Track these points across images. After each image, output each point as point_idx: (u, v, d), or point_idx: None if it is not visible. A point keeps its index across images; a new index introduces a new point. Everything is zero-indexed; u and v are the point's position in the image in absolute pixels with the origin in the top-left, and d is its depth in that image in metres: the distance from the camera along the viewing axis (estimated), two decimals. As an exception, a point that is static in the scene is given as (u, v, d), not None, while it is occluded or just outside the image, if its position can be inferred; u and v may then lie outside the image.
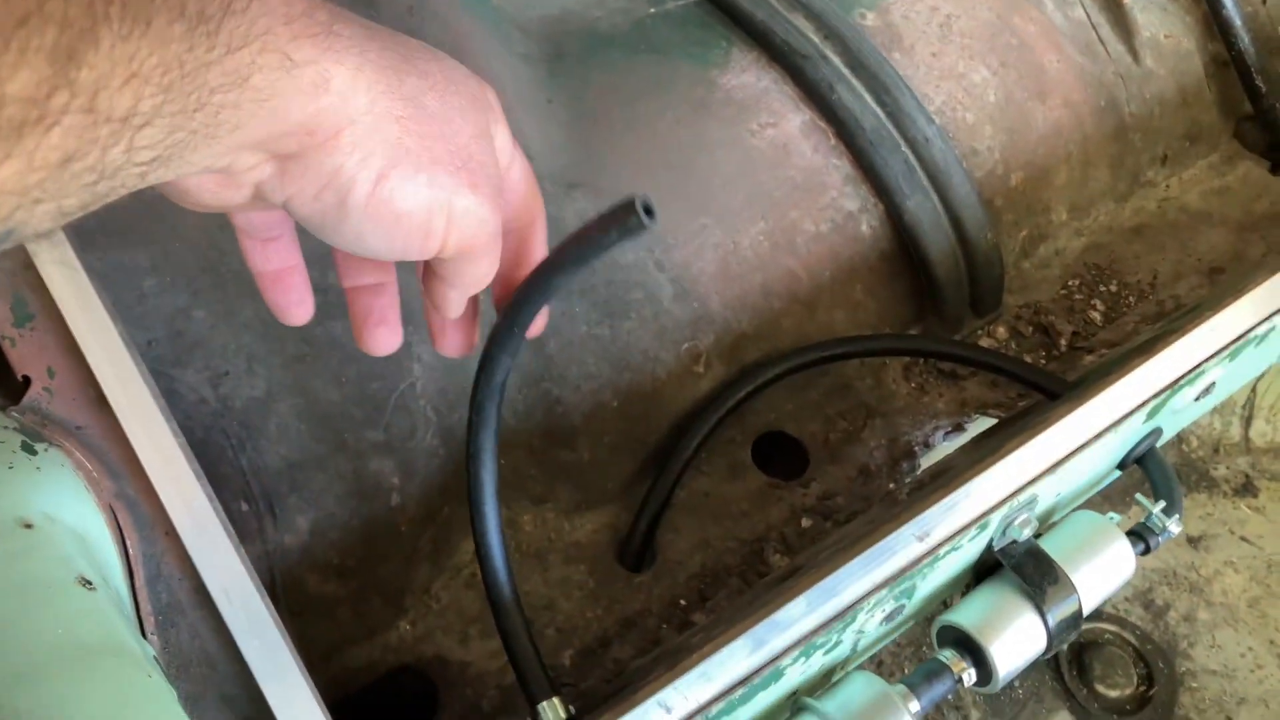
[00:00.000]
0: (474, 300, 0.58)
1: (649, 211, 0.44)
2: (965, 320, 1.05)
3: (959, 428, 0.98)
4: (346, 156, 0.44)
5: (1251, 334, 0.84)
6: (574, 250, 0.48)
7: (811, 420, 1.00)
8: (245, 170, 0.43)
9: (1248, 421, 1.29)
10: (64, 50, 0.30)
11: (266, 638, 0.59)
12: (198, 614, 0.62)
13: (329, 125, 0.42)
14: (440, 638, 0.85)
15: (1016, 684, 1.10)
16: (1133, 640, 1.15)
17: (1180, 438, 1.29)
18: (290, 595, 0.80)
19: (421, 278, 0.55)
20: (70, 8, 0.30)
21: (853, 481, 0.95)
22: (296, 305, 0.56)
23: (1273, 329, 0.86)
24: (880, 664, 1.13)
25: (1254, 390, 1.26)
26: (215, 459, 0.79)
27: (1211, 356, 0.82)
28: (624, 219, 0.44)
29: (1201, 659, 1.15)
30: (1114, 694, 1.11)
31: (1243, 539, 1.23)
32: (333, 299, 0.67)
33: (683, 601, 0.88)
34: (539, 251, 0.58)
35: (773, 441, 0.99)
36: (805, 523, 0.92)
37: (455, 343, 0.60)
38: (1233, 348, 0.83)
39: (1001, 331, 1.05)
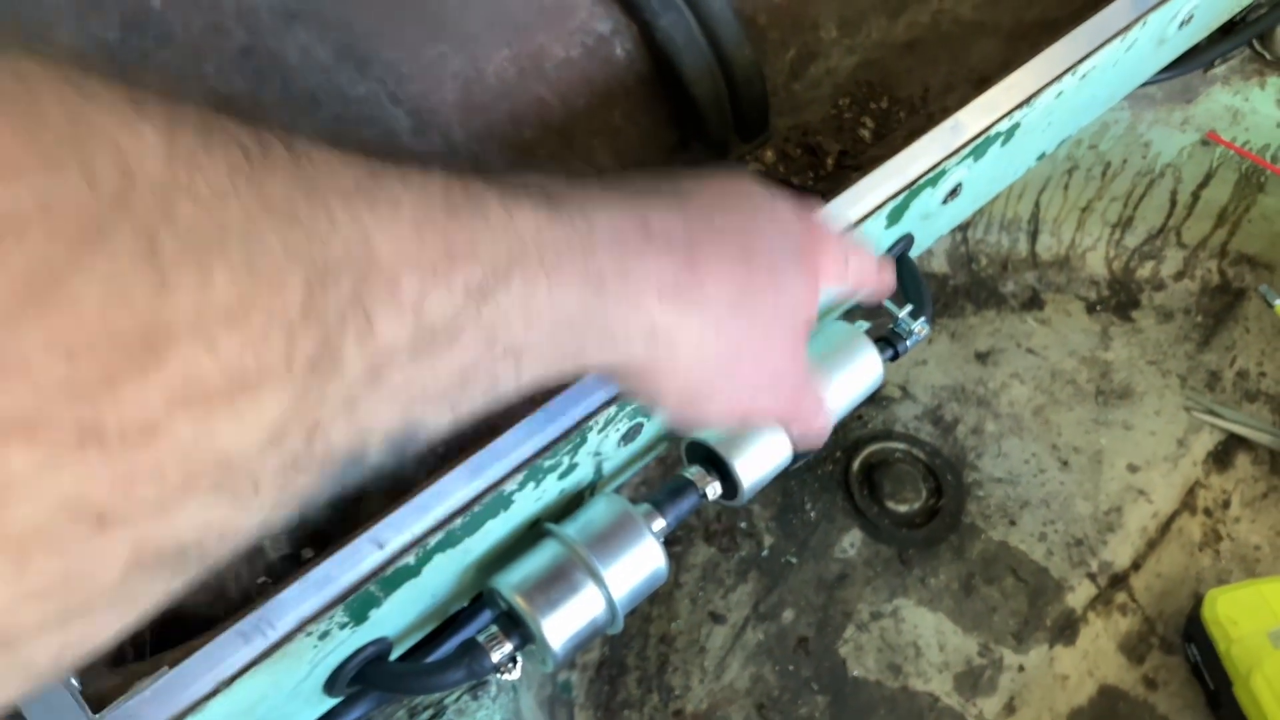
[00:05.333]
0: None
1: None
2: (732, 145, 1.02)
3: (725, 253, 0.96)
4: (658, 387, 0.49)
5: (992, 131, 0.83)
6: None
7: (577, 256, 0.97)
8: None
9: (1034, 236, 1.30)
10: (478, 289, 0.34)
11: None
12: None
13: (654, 368, 0.47)
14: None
15: (809, 507, 1.12)
16: (922, 456, 1.18)
17: (970, 257, 1.31)
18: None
19: None
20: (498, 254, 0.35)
21: (617, 314, 0.93)
22: None
23: (1016, 126, 0.85)
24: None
25: (1037, 204, 1.28)
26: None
27: (950, 155, 0.81)
28: None
29: (988, 468, 1.18)
30: (903, 509, 1.14)
31: (1029, 350, 1.26)
32: None
33: (440, 450, 0.85)
34: None
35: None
36: (567, 358, 0.90)
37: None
38: (973, 146, 0.82)
39: (769, 155, 1.03)
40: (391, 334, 0.30)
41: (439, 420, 0.35)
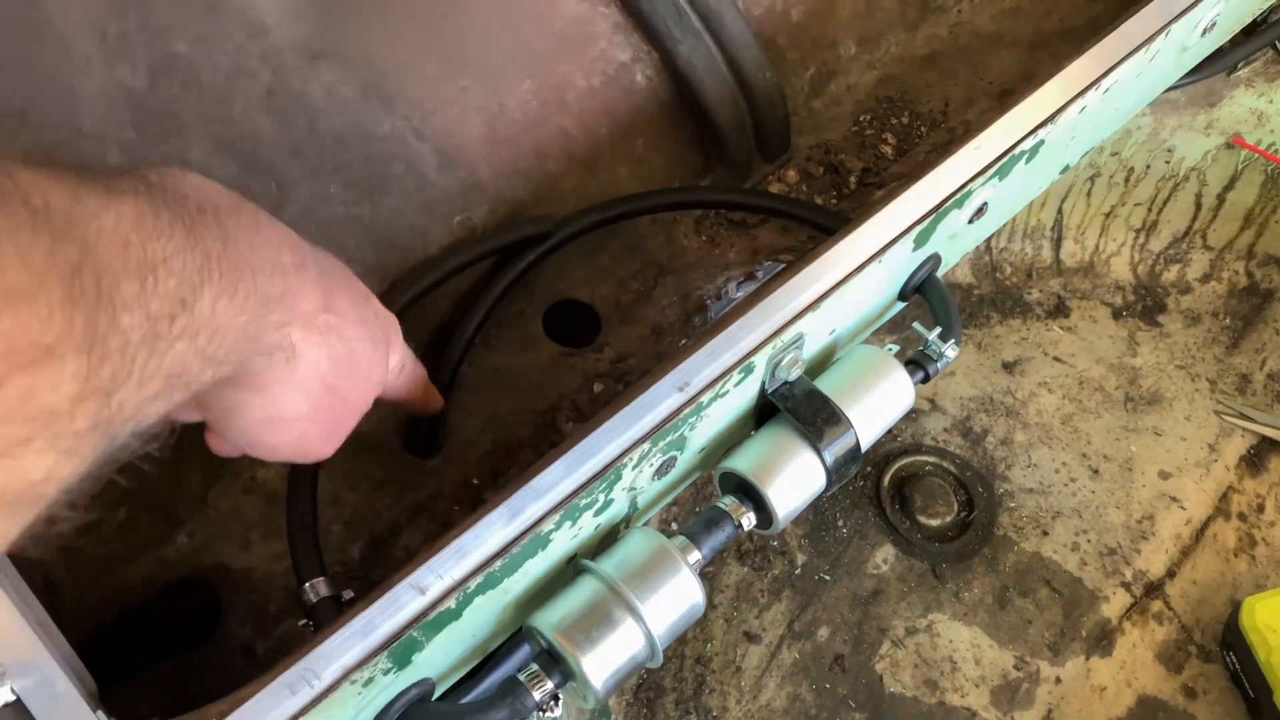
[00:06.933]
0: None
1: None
2: (755, 166, 1.02)
3: (751, 277, 0.96)
4: (270, 403, 0.55)
5: (1016, 150, 0.83)
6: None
7: (603, 284, 0.97)
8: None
9: (1058, 243, 1.30)
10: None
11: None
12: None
13: (269, 379, 0.54)
14: (220, 546, 0.81)
15: (840, 523, 1.12)
16: (952, 469, 1.17)
17: (994, 266, 1.30)
18: (44, 521, 0.76)
19: None
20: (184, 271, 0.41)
21: (645, 341, 0.93)
22: None
23: (1040, 143, 0.85)
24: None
25: (1060, 211, 1.27)
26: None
27: (976, 176, 0.81)
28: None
29: (1019, 479, 1.18)
30: (935, 523, 1.14)
31: (1056, 359, 1.26)
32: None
33: (475, 481, 0.86)
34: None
35: (565, 310, 0.97)
36: (597, 387, 0.90)
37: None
38: (998, 165, 0.82)
39: (792, 175, 1.03)
40: (129, 324, 0.38)
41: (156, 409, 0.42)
